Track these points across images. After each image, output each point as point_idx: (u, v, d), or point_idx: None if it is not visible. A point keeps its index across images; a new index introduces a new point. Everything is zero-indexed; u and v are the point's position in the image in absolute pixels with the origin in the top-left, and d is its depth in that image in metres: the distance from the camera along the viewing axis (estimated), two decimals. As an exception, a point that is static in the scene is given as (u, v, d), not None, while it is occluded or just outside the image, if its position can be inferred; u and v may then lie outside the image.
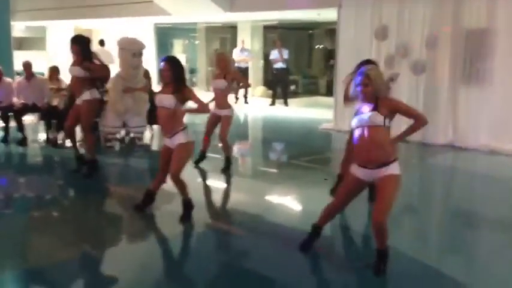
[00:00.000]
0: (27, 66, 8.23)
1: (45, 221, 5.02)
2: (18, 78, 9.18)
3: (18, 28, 19.91)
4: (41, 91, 8.24)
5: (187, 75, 18.39)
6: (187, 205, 4.77)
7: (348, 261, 4.19)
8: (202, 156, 6.78)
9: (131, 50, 7.84)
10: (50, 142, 8.17)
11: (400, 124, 4.06)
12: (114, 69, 7.79)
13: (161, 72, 4.71)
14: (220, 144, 6.72)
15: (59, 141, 8.06)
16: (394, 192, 3.59)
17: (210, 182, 6.49)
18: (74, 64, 6.10)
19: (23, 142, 8.05)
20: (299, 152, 8.41)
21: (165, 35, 18.20)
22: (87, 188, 6.00)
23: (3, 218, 5.08)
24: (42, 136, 8.58)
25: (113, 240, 4.60)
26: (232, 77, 6.55)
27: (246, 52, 14.16)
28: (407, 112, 3.75)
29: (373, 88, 3.61)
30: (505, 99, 7.78)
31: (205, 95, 7.34)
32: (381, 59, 8.41)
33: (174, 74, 4.59)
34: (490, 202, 5.75)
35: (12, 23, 17.04)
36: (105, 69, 6.26)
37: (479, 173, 7.15)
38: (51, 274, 3.82)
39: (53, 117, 8.18)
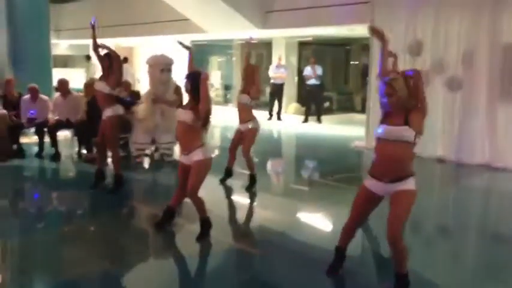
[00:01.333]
0: (61, 83, 8.46)
1: (71, 236, 5.08)
2: (56, 95, 9.45)
3: (63, 47, 20.71)
4: (76, 107, 8.43)
5: (221, 91, 18.62)
6: (205, 223, 4.71)
7: (369, 284, 4.01)
8: (228, 173, 6.72)
9: (159, 66, 7.96)
10: (83, 158, 8.34)
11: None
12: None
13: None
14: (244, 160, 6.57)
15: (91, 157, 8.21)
16: (408, 207, 3.43)
17: (236, 199, 6.42)
18: (100, 79, 6.22)
19: (56, 157, 8.24)
20: (330, 169, 8.25)
21: (201, 52, 18.44)
22: (111, 204, 6.05)
23: (34, 231, 5.17)
24: (76, 151, 8.76)
25: (131, 258, 4.59)
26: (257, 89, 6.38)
27: (282, 68, 14.13)
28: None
29: (398, 98, 3.45)
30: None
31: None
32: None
33: (192, 87, 4.55)
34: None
35: (56, 41, 17.74)
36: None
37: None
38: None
39: (86, 133, 8.35)
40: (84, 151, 8.43)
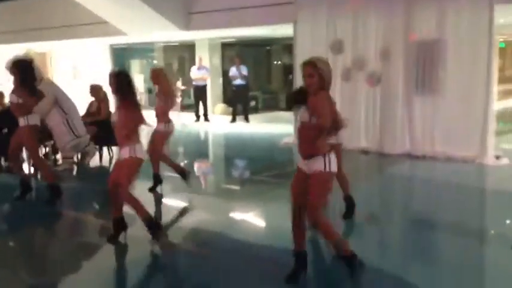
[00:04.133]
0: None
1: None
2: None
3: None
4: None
5: (142, 95, 18.28)
6: (151, 225, 4.66)
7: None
8: (156, 180, 6.57)
9: None
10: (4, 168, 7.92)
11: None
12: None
13: None
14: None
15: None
16: (321, 188, 3.64)
17: (166, 201, 6.37)
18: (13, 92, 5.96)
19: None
20: (261, 167, 8.41)
21: (121, 56, 18.01)
22: (41, 214, 5.79)
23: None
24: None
25: (77, 268, 4.44)
26: (164, 92, 6.39)
27: (204, 70, 14.14)
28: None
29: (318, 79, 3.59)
30: (456, 107, 8.02)
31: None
32: (337, 73, 8.57)
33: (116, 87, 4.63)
34: (449, 208, 5.88)
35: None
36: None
37: (437, 180, 7.30)
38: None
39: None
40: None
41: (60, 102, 7.46)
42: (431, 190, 6.86)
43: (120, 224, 4.73)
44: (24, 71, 5.84)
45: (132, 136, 4.57)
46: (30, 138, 5.99)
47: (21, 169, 6.52)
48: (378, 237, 5.17)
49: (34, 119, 6.00)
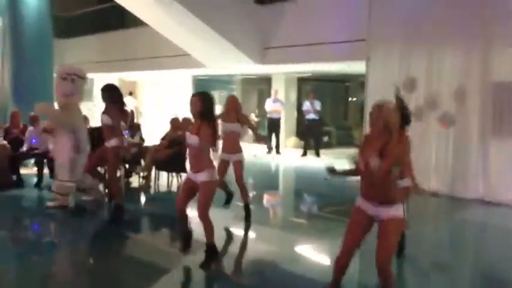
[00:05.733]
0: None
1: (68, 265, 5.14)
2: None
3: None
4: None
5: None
6: (211, 250, 4.73)
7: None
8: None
9: (61, 74, 7.14)
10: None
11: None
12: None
13: None
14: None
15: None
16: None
17: (234, 231, 6.40)
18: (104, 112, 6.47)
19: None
20: (328, 203, 8.33)
21: (203, 87, 18.73)
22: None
23: (26, 261, 5.22)
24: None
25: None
26: (242, 121, 6.43)
27: (278, 103, 14.34)
28: None
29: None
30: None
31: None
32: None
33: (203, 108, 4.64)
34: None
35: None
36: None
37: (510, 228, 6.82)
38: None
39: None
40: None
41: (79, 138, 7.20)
42: (502, 238, 6.41)
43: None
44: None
45: (211, 159, 4.68)
46: (113, 157, 6.42)
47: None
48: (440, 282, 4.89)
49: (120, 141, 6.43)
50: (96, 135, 7.58)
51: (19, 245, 5.83)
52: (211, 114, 4.65)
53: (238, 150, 6.40)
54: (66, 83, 6.99)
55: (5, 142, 8.60)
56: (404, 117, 4.22)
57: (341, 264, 3.76)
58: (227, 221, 6.49)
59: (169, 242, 6.09)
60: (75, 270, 5.03)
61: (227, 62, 13.01)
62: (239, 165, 6.36)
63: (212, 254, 4.74)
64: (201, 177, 4.61)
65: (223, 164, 6.41)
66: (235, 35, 11.73)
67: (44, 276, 4.78)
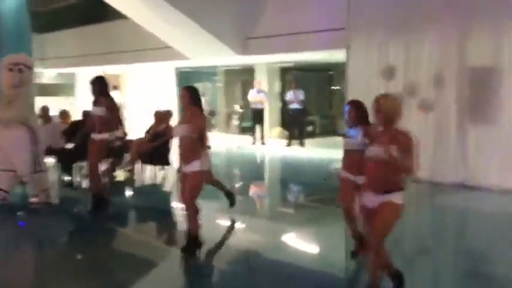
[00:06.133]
0: (42, 110, 8.60)
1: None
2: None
3: (49, 75, 20.86)
4: (56, 135, 8.56)
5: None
6: (194, 239, 4.86)
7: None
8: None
9: (6, 66, 6.86)
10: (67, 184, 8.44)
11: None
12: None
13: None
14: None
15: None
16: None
17: (220, 221, 6.48)
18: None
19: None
20: (312, 192, 8.42)
21: (186, 79, 18.68)
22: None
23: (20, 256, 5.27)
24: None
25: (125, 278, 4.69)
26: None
27: (262, 93, 14.38)
28: None
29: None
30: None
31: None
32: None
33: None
34: (502, 242, 5.60)
35: (42, 70, 17.93)
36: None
37: (491, 212, 6.97)
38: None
39: (68, 160, 8.46)
40: (68, 177, 8.54)
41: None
42: (482, 222, 6.56)
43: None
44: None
45: (201, 149, 4.81)
46: (99, 150, 6.44)
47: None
48: (426, 269, 4.99)
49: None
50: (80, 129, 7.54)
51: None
52: (200, 105, 5.00)
53: None
54: (14, 73, 6.72)
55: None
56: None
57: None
58: (213, 212, 6.56)
59: (155, 234, 6.15)
60: (60, 264, 5.06)
61: (209, 53, 12.98)
62: None
63: (194, 243, 4.82)
64: (191, 167, 4.76)
65: None
66: (216, 26, 11.69)
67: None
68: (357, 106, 4.64)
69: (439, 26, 8.37)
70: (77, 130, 7.61)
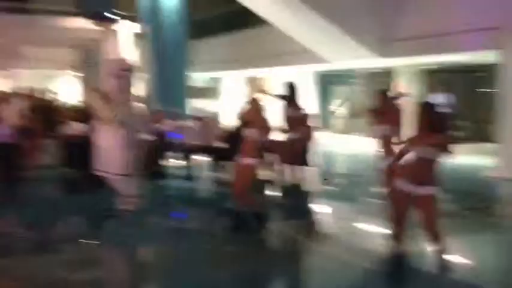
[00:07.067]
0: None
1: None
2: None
3: (201, 79, 22.51)
4: (208, 133, 9.28)
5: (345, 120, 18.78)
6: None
7: None
8: None
9: (115, 72, 6.85)
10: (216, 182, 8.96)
11: None
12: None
13: None
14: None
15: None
16: None
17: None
18: None
19: (189, 178, 9.26)
20: (457, 199, 8.06)
21: (325, 82, 18.87)
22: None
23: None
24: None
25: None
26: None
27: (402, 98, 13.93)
28: None
29: None
30: None
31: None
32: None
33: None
34: None
35: (192, 74, 19.53)
36: None
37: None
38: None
39: (218, 158, 9.02)
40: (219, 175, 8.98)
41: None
42: None
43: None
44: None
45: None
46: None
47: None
48: None
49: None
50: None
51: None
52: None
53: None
54: (123, 80, 6.75)
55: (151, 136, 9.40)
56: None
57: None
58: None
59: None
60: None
61: (347, 55, 13.02)
62: None
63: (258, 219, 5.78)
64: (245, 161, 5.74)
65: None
66: (356, 29, 11.70)
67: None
68: None
69: None
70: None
